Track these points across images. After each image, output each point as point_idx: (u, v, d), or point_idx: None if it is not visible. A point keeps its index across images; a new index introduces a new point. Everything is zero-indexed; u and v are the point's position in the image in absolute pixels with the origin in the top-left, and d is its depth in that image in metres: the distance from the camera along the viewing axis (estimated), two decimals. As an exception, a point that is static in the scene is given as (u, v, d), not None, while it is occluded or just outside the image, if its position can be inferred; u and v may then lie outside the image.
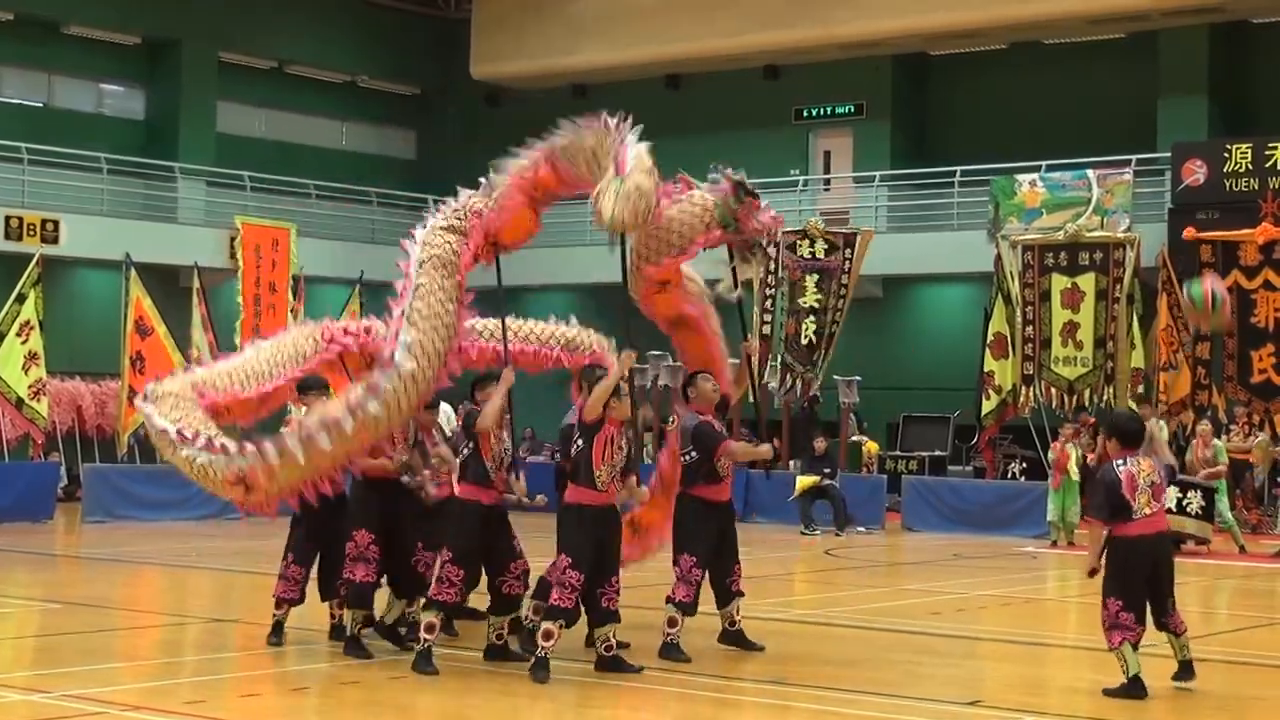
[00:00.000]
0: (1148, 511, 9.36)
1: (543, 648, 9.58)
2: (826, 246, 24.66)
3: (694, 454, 10.62)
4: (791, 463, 24.34)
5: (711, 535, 10.63)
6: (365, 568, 10.34)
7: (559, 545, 9.79)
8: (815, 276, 24.70)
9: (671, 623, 10.46)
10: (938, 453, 26.09)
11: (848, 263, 24.63)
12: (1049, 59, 30.38)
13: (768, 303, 24.98)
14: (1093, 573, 9.58)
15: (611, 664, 9.86)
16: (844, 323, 24.69)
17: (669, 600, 10.50)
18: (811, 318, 24.63)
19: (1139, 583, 9.37)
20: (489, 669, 9.99)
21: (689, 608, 10.51)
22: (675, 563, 10.63)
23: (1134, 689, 9.27)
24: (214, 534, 19.96)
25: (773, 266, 24.96)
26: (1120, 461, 9.44)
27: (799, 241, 24.70)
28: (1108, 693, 9.37)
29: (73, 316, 27.22)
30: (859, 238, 24.72)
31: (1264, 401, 23.21)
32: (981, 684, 10.33)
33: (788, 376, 24.87)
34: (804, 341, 24.65)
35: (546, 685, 9.40)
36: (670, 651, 10.39)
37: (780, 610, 12.92)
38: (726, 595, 10.82)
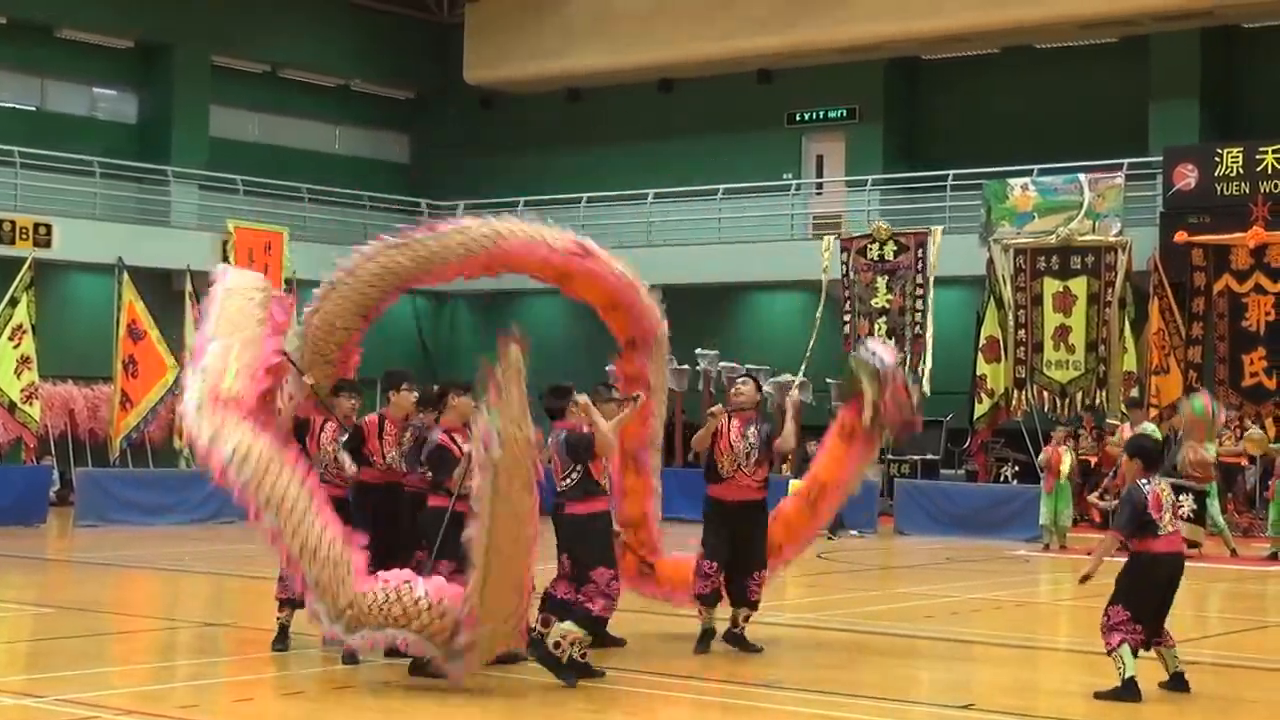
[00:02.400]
0: (1170, 530, 9.57)
1: (574, 655, 9.58)
2: (896, 248, 24.89)
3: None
4: (784, 467, 24.28)
5: (724, 533, 10.85)
6: (360, 574, 10.23)
7: (595, 558, 9.70)
8: (885, 278, 25.03)
9: (701, 614, 10.96)
10: (930, 456, 26.10)
11: (920, 263, 24.79)
12: (1041, 63, 30.40)
13: (846, 304, 25.16)
14: (1084, 579, 9.60)
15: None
16: (933, 326, 24.73)
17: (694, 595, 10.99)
18: (883, 319, 24.85)
19: (1152, 600, 9.51)
20: (489, 673, 9.98)
21: (708, 599, 10.89)
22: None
23: (1128, 692, 9.29)
24: (207, 538, 19.94)
25: (849, 273, 25.18)
26: (1145, 481, 9.67)
27: (869, 245, 24.99)
28: (1099, 695, 9.40)
29: (65, 320, 27.15)
30: (930, 237, 24.86)
31: (1255, 405, 23.27)
32: (974, 687, 10.34)
33: None
34: None
35: (551, 690, 9.36)
36: (733, 640, 10.91)
37: (773, 614, 12.91)
38: (740, 600, 11.01)
